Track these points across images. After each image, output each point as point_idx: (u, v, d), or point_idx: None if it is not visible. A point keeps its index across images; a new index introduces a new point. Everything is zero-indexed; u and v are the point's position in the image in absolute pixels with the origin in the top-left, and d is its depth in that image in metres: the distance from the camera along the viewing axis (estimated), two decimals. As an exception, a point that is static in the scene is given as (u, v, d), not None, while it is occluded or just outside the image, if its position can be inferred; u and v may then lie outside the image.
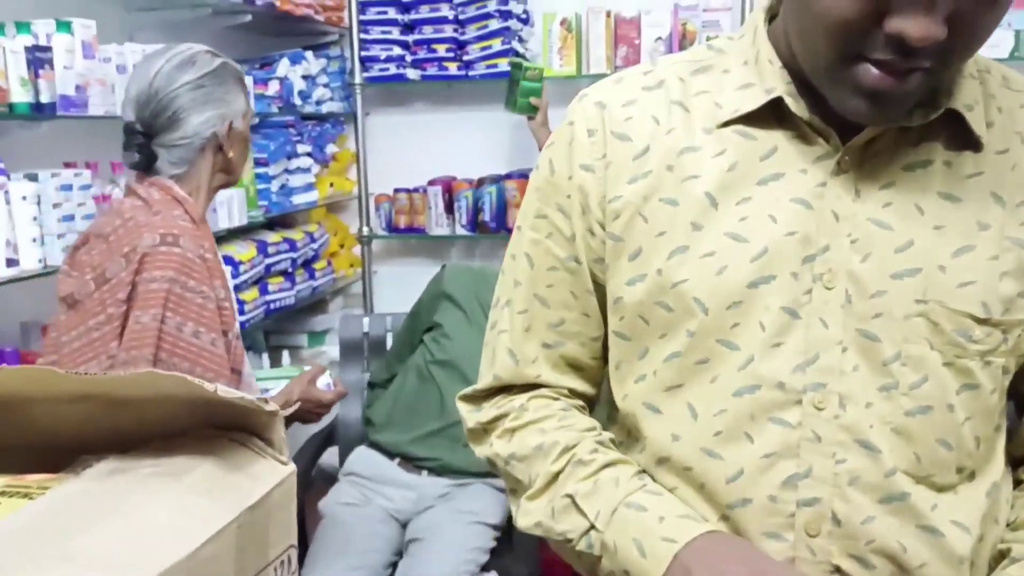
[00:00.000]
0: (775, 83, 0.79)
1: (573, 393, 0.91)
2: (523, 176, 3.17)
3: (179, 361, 1.48)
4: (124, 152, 1.59)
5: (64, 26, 1.91)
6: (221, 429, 0.59)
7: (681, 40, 2.99)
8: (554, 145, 0.88)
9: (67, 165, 2.06)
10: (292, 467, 0.58)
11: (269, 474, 0.57)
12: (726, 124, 0.81)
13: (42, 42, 1.88)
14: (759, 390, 0.78)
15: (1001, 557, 0.80)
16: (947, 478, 0.78)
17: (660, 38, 3.02)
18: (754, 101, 0.80)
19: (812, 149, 0.79)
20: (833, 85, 0.73)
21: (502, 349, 0.92)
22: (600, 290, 0.87)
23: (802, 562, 0.77)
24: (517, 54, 3.11)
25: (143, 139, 1.57)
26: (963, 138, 0.78)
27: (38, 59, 1.82)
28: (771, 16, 0.84)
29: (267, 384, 2.10)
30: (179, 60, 1.57)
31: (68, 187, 1.92)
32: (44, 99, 1.84)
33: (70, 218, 1.93)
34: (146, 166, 1.59)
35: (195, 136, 1.58)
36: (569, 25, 3.07)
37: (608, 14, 3.04)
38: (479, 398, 0.95)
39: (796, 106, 0.78)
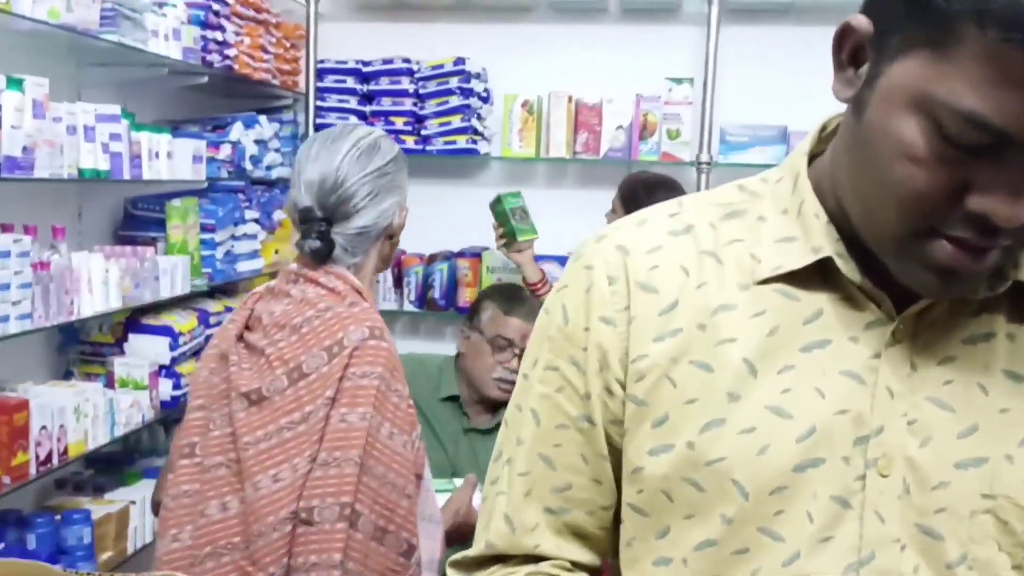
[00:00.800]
0: (822, 241, 0.72)
1: (576, 566, 0.82)
2: (475, 255, 3.12)
3: (374, 464, 1.36)
4: (302, 240, 1.49)
5: (15, 83, 1.79)
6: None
7: (642, 131, 3.00)
8: (568, 289, 0.79)
9: (3, 228, 1.93)
10: None
11: None
12: (765, 281, 0.74)
13: (-11, 99, 1.77)
14: None
15: None
16: None
17: (621, 127, 3.02)
18: (799, 259, 0.73)
19: (862, 315, 0.72)
20: (899, 257, 0.67)
21: (498, 513, 0.82)
22: (615, 455, 0.78)
23: None
24: (476, 132, 3.08)
25: (325, 226, 1.48)
26: None
27: (-16, 117, 1.71)
28: (811, 156, 0.78)
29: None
30: (366, 146, 1.51)
31: (6, 254, 1.79)
32: (-13, 159, 1.72)
33: (5, 287, 1.79)
34: (326, 254, 1.49)
35: (374, 226, 1.52)
36: (531, 107, 3.06)
37: (570, 99, 3.04)
38: (470, 565, 0.84)
39: (847, 268, 0.72)
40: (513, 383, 2.35)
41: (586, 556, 0.82)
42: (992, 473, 0.70)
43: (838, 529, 0.70)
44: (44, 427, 1.94)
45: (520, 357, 2.23)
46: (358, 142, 1.50)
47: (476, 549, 0.84)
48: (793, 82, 3.02)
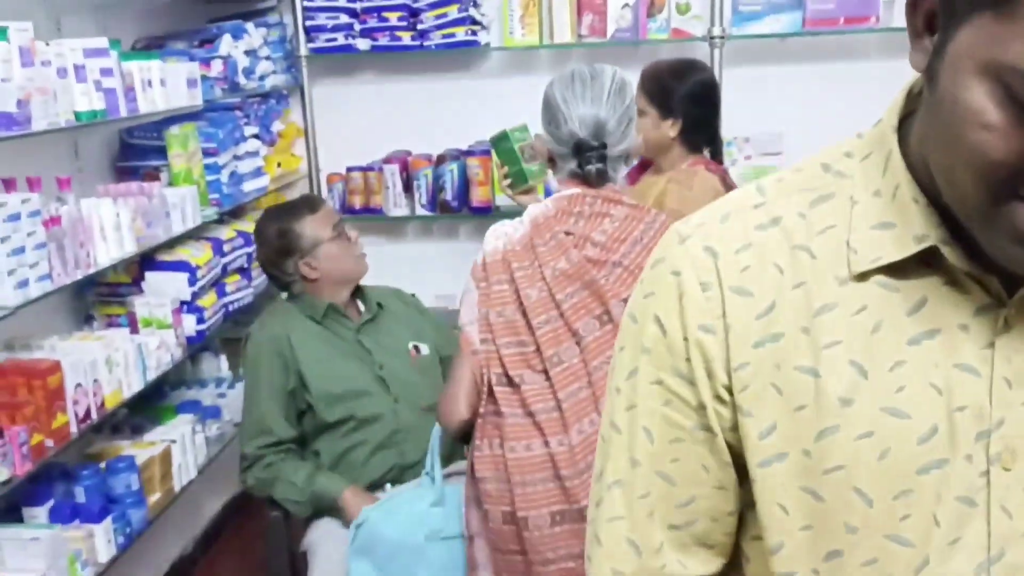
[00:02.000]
0: (925, 228, 0.67)
1: None
2: (485, 152, 3.01)
3: None
4: (581, 166, 1.71)
5: (-2, 32, 1.66)
6: None
7: (649, 7, 2.85)
8: (656, 297, 0.74)
9: (6, 184, 1.83)
10: None
11: None
12: (864, 275, 0.69)
13: (-29, 50, 1.64)
14: None
15: None
16: None
17: (627, 4, 2.87)
18: (900, 249, 0.68)
19: (969, 299, 0.68)
20: (986, 229, 0.63)
21: (620, 539, 0.79)
22: (738, 460, 0.75)
23: None
24: (474, 21, 2.92)
25: (603, 151, 1.70)
26: None
27: (-29, 73, 1.59)
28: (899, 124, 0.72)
29: None
30: (619, 83, 1.72)
31: (16, 216, 1.70)
32: (-19, 119, 1.61)
33: (20, 251, 1.71)
34: (606, 175, 1.72)
35: (627, 149, 1.75)
36: (531, -9, 2.89)
37: (572, -22, 2.88)
38: None
39: (953, 255, 0.67)
40: (362, 248, 2.25)
41: (711, 566, 0.79)
42: None
43: (966, 529, 0.68)
44: (79, 384, 1.90)
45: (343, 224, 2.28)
46: (614, 79, 1.72)
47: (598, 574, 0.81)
48: (806, -59, 2.86)
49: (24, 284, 1.73)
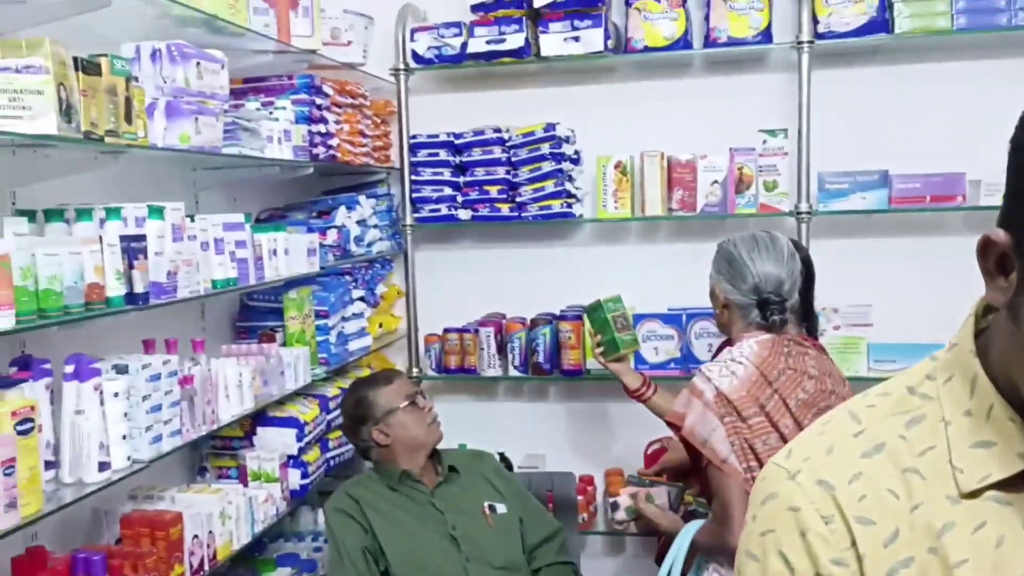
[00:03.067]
0: None
1: None
2: (576, 317, 3.12)
3: None
4: (767, 316, 2.06)
5: (156, 212, 1.87)
6: None
7: (738, 184, 2.99)
8: (777, 535, 0.77)
9: (146, 345, 2.00)
10: None
11: None
12: (974, 493, 0.74)
13: (131, 229, 1.83)
14: None
15: None
16: None
17: (716, 181, 3.02)
18: (1007, 467, 0.73)
19: None
20: None
21: None
22: None
23: None
24: (570, 195, 3.10)
25: (784, 304, 2.07)
26: None
27: (132, 249, 1.78)
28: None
29: None
30: (791, 246, 2.11)
31: (156, 376, 1.86)
32: (137, 289, 1.79)
33: (157, 408, 1.86)
34: (785, 323, 2.08)
35: (796, 301, 2.12)
36: (624, 168, 3.07)
37: (663, 156, 3.05)
38: None
39: None
40: (436, 418, 2.40)
41: None
42: None
43: None
44: (196, 536, 2.00)
45: (423, 395, 2.43)
46: (787, 245, 2.11)
47: None
48: (889, 123, 3.00)
49: (158, 439, 1.87)
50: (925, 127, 2.95)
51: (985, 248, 0.71)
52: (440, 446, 2.46)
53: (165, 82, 1.95)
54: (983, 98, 2.82)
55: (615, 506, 2.32)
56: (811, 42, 2.90)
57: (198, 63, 2.01)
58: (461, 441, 3.05)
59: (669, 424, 2.06)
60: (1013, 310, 0.70)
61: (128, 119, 1.77)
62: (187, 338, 2.17)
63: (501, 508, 2.41)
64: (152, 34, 2.02)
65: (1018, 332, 0.69)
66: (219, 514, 2.09)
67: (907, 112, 2.98)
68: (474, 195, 3.17)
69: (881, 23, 2.84)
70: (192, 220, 2.06)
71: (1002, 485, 0.74)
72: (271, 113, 2.39)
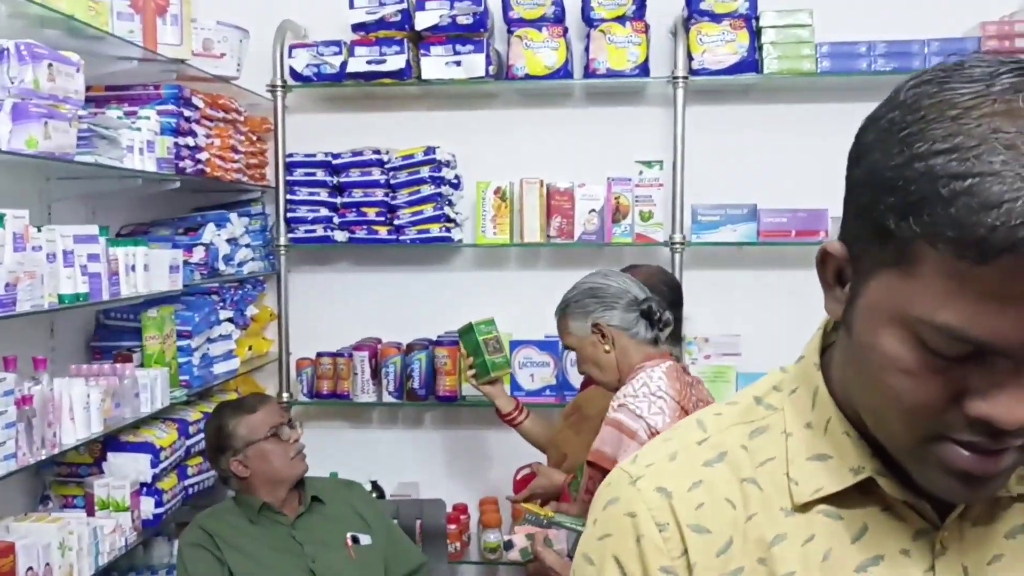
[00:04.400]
0: (859, 460, 0.73)
1: None
2: (453, 343, 3.08)
3: None
4: (657, 324, 2.11)
5: (-5, 219, 1.75)
6: None
7: (614, 213, 3.03)
8: (613, 539, 0.77)
9: (-19, 362, 1.86)
10: None
11: None
12: (806, 506, 0.74)
13: (-33, 235, 1.71)
14: None
15: None
16: None
17: (594, 210, 3.05)
18: (839, 481, 0.73)
19: (906, 525, 0.73)
20: (917, 464, 0.68)
21: None
22: None
23: None
24: (449, 219, 3.08)
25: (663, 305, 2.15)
26: None
27: (-35, 257, 1.66)
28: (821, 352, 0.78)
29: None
30: None
31: (-11, 396, 1.73)
32: (-31, 301, 1.66)
33: (-11, 430, 1.73)
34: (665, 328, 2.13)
35: None
36: (503, 194, 3.07)
37: (542, 184, 3.06)
38: None
39: (889, 485, 0.72)
40: (302, 450, 2.33)
41: None
42: None
43: None
44: (30, 568, 1.86)
45: (290, 426, 2.36)
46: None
47: None
48: (759, 160, 3.09)
49: (-12, 464, 1.73)
50: (792, 164, 3.05)
51: (823, 260, 0.71)
52: (310, 474, 2.38)
53: (12, 82, 1.83)
54: (846, 139, 2.92)
55: (509, 545, 2.24)
56: (685, 78, 2.97)
57: (50, 64, 1.90)
58: (333, 469, 2.96)
59: (590, 464, 1.97)
60: (847, 322, 0.70)
61: (-35, 118, 1.65)
62: (31, 356, 2.03)
63: (365, 539, 2.34)
64: (5, 33, 1.90)
65: (851, 343, 0.70)
66: (58, 545, 1.96)
67: (775, 149, 3.08)
68: (351, 216, 3.10)
69: (751, 63, 2.93)
70: (39, 231, 1.94)
71: (834, 499, 0.74)
72: (133, 123, 2.28)
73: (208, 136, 2.68)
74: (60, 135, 1.92)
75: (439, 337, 3.15)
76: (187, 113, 2.55)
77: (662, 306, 2.12)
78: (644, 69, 2.99)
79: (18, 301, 1.80)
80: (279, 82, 3.09)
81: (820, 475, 0.74)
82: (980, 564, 0.72)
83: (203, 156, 2.64)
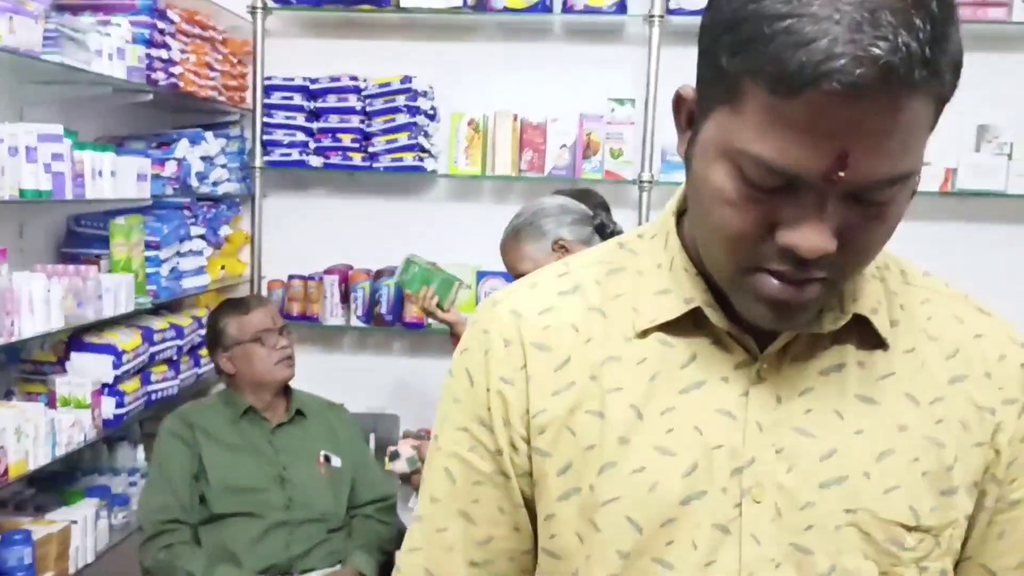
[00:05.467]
0: (693, 292, 0.79)
1: None
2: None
3: None
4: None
5: (-45, 106, 1.79)
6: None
7: (585, 149, 3.06)
8: (469, 352, 0.85)
9: (-57, 249, 1.92)
10: None
11: None
12: (645, 332, 0.81)
13: (-72, 120, 1.76)
14: None
15: None
16: None
17: (565, 145, 3.08)
18: (673, 310, 0.80)
19: (731, 356, 0.79)
20: (736, 293, 0.74)
21: (417, 569, 0.87)
22: (529, 504, 0.84)
23: None
24: (423, 149, 3.11)
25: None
26: (872, 339, 0.80)
27: (-77, 140, 1.70)
28: (679, 213, 0.85)
29: None
30: None
31: (-56, 276, 1.78)
32: (-74, 183, 1.71)
33: (-57, 309, 1.79)
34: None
35: None
36: (476, 126, 3.10)
37: (515, 118, 3.09)
38: None
39: (715, 316, 0.78)
40: (290, 358, 2.38)
41: None
42: (852, 489, 0.77)
43: (720, 554, 0.77)
44: (-16, 448, 1.93)
45: (280, 333, 2.41)
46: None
47: None
48: (732, 103, 3.11)
49: (-58, 342, 1.80)
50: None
51: (677, 104, 0.77)
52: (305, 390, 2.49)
53: (-23, -24, 1.87)
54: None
55: (394, 456, 2.30)
56: (662, 16, 2.99)
57: (16, -39, 1.93)
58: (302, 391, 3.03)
59: None
60: (688, 159, 0.75)
61: (-74, 4, 1.69)
62: (-7, 250, 2.08)
63: (336, 461, 2.43)
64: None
65: (689, 181, 0.75)
66: (13, 430, 2.03)
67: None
68: (327, 142, 3.14)
69: (727, 3, 2.94)
70: (3, 124, 1.99)
71: (669, 328, 0.80)
72: (104, 28, 2.32)
73: (183, 51, 2.72)
74: (25, 31, 1.96)
75: (408, 265, 3.20)
76: (161, 25, 2.59)
77: (610, 218, 2.15)
78: (622, 6, 3.01)
79: (-23, 189, 1.85)
80: (259, 3, 3.12)
81: (659, 306, 0.81)
82: (792, 394, 0.78)
83: (177, 70, 2.67)
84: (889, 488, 0.77)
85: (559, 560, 0.81)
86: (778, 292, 0.71)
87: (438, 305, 2.62)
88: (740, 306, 0.75)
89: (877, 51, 0.60)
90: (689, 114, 0.76)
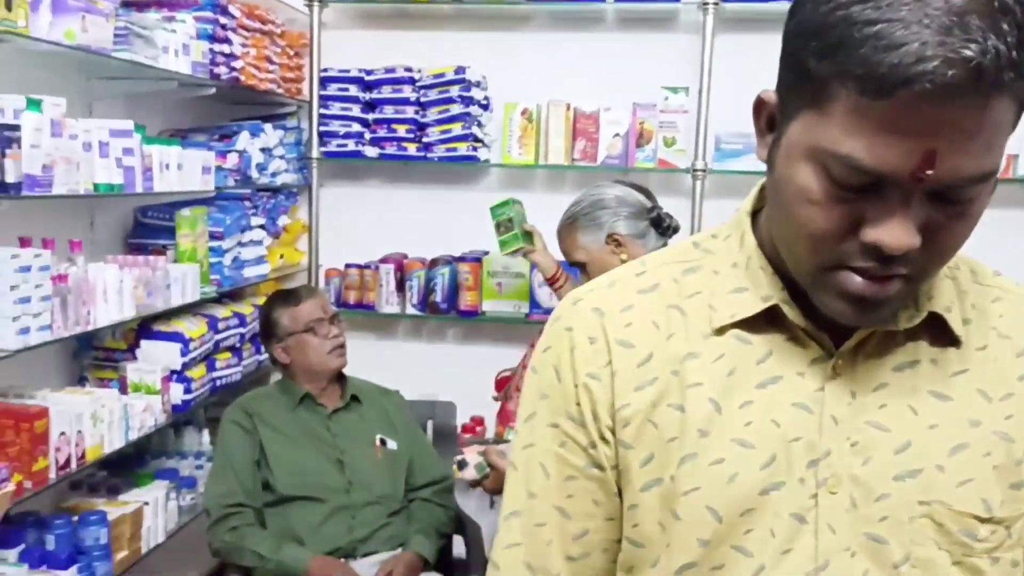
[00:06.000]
0: (770, 290, 0.82)
1: None
2: (476, 259, 3.19)
3: None
4: (668, 230, 2.22)
5: (34, 104, 1.86)
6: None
7: (638, 138, 3.07)
8: (552, 351, 0.88)
9: (22, 241, 2.00)
10: None
11: None
12: (722, 329, 0.83)
13: (8, 119, 1.83)
14: None
15: None
16: None
17: (618, 135, 3.09)
18: (750, 308, 0.82)
19: (806, 352, 0.81)
20: (818, 290, 0.76)
21: (518, 563, 0.88)
22: (620, 495, 0.86)
23: None
24: (477, 139, 3.15)
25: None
26: (946, 336, 0.82)
27: (5, 138, 1.77)
28: (754, 212, 0.87)
29: None
30: None
31: (27, 268, 1.86)
32: (9, 179, 1.78)
33: (26, 300, 1.86)
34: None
35: None
36: (530, 115, 3.13)
37: (568, 107, 3.11)
38: None
39: (792, 313, 0.81)
40: (342, 346, 2.42)
41: None
42: (926, 482, 0.79)
43: (797, 542, 0.79)
44: (63, 433, 2.01)
45: (331, 322, 2.45)
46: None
47: None
48: (786, 90, 3.09)
49: (25, 331, 1.87)
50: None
51: (758, 108, 0.79)
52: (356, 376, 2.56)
53: (53, -22, 1.94)
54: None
55: (463, 464, 2.31)
56: (716, 3, 2.98)
57: (89, -38, 2.00)
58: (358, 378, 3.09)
59: None
60: (770, 161, 0.78)
61: (8, 6, 1.76)
62: (69, 241, 2.16)
63: (392, 444, 2.48)
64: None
65: (772, 181, 0.78)
66: (90, 415, 2.11)
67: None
68: (382, 133, 3.19)
69: (782, -10, 2.93)
70: (77, 121, 2.06)
71: (746, 325, 0.83)
72: (169, 25, 2.38)
73: (244, 45, 2.78)
74: (97, 29, 2.03)
75: (463, 254, 3.24)
76: (223, 20, 2.65)
77: (668, 213, 2.17)
78: (675, -6, 3.01)
79: (55, 184, 1.92)
80: (316, -3, 3.17)
81: (736, 304, 0.83)
82: (866, 390, 0.81)
83: (238, 64, 2.73)
84: (962, 481, 0.79)
85: (641, 548, 0.84)
86: (861, 289, 0.73)
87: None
88: (821, 303, 0.77)
89: (969, 53, 0.63)
90: (770, 117, 0.78)
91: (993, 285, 0.87)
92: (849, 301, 0.74)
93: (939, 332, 0.82)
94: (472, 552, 2.52)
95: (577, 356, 0.85)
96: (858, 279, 0.73)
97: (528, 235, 2.70)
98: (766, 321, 0.82)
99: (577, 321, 0.87)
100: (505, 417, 2.59)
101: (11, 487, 1.82)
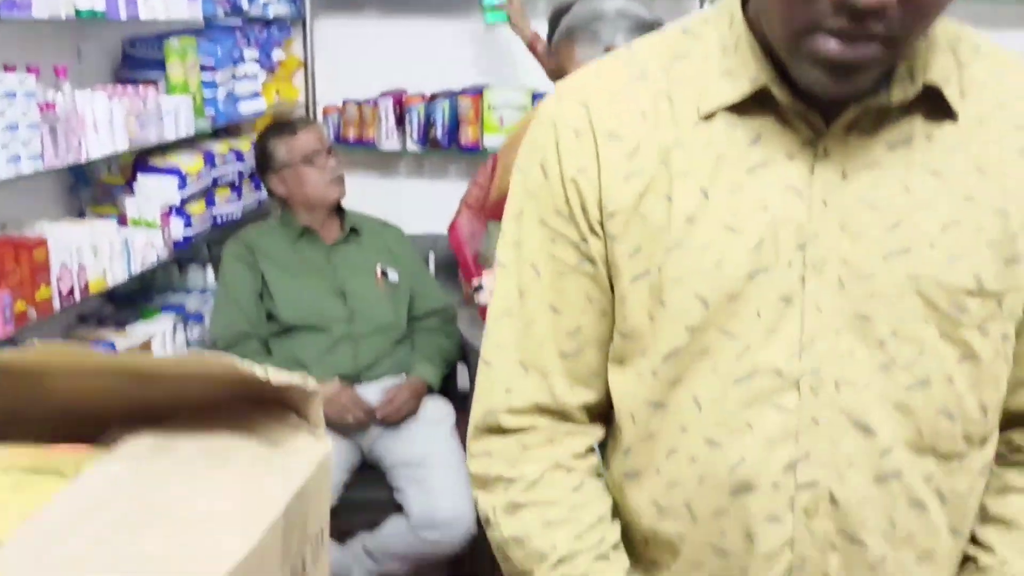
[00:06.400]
0: (759, 72, 0.78)
1: (586, 410, 0.88)
2: (477, 92, 3.12)
3: None
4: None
5: (3, -81, 1.77)
6: (256, 403, 0.57)
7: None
8: (538, 147, 0.85)
9: (6, 68, 1.95)
10: (329, 446, 0.58)
11: (310, 452, 0.56)
12: (711, 115, 0.80)
13: (-21, -65, 1.75)
14: (757, 377, 0.79)
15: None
16: (953, 446, 0.80)
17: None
18: (739, 91, 0.79)
19: (797, 135, 0.79)
20: (794, 58, 0.73)
21: (510, 361, 0.87)
22: (611, 289, 0.85)
23: (800, 543, 0.80)
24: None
25: None
26: (941, 111, 0.79)
27: (-24, -46, 1.70)
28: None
29: None
30: None
31: (12, 94, 1.82)
32: (-16, -1, 1.72)
33: (14, 127, 1.83)
34: None
35: None
36: (530, -63, 2.98)
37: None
38: (491, 431, 0.88)
39: (780, 93, 0.77)
40: (340, 177, 2.41)
41: (596, 395, 0.88)
42: (917, 259, 0.78)
43: (783, 323, 0.79)
44: (64, 263, 2.02)
45: (328, 153, 2.41)
46: None
47: (487, 404, 0.89)
48: None
49: (16, 160, 1.85)
50: None
51: None
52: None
53: None
54: None
55: (479, 288, 2.32)
56: None
57: None
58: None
59: None
60: None
61: None
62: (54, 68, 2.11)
63: (393, 275, 2.48)
64: None
65: None
66: (90, 247, 2.11)
67: None
68: (376, -41, 3.06)
69: None
70: (52, -59, 1.97)
71: (735, 109, 0.80)
72: None
73: None
74: None
75: (464, 88, 3.16)
76: None
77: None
78: None
79: (34, 6, 1.85)
80: None
81: (725, 87, 0.80)
82: (858, 169, 0.78)
83: None
84: (954, 256, 0.78)
85: (630, 340, 0.84)
86: (834, 51, 0.70)
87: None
88: (798, 74, 0.74)
89: None
90: None
91: (994, 55, 0.83)
92: (824, 67, 0.71)
93: (935, 106, 0.79)
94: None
95: (563, 151, 0.83)
96: (832, 42, 0.70)
97: None
98: (756, 105, 0.79)
99: (561, 115, 0.84)
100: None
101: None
